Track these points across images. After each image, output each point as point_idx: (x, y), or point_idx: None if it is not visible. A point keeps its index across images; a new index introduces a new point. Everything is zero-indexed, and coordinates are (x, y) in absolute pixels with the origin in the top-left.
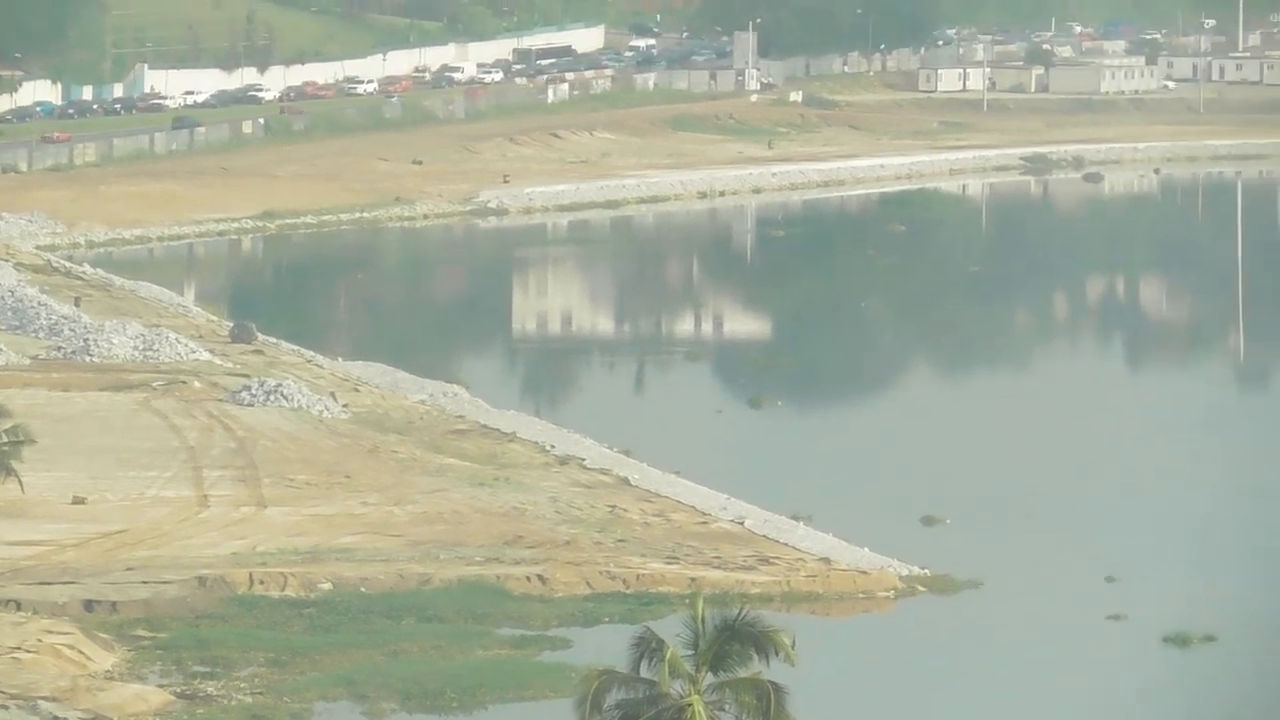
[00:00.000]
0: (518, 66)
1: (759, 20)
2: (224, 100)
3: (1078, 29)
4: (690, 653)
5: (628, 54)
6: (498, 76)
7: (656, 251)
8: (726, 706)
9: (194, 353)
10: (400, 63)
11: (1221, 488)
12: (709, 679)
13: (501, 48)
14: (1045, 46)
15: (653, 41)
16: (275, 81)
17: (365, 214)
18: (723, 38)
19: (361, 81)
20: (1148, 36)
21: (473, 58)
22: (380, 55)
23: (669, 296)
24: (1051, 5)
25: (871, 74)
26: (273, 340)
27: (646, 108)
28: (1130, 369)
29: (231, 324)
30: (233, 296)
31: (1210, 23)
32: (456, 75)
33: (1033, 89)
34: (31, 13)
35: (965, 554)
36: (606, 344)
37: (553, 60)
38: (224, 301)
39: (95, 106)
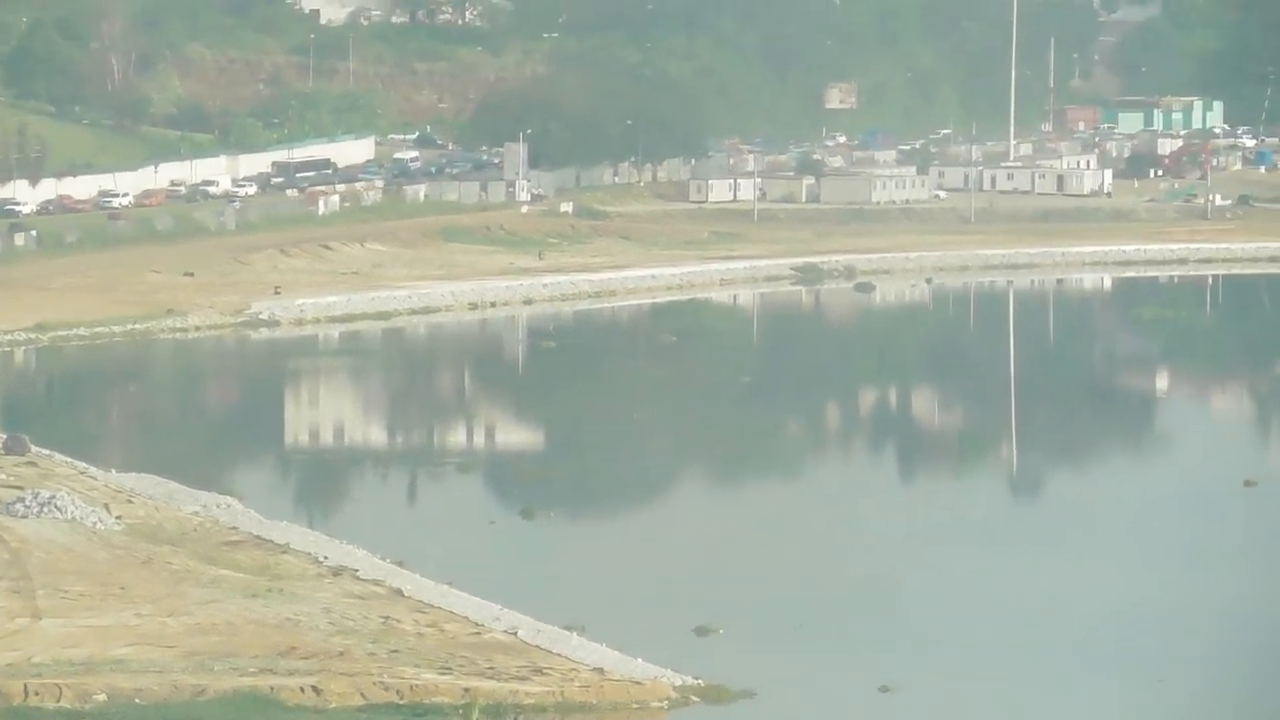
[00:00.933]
0: (276, 180)
1: (529, 131)
2: None
3: (840, 138)
4: None
5: (389, 165)
6: (252, 190)
7: (428, 363)
8: None
9: None
10: (171, 175)
11: (992, 598)
12: None
13: (269, 160)
14: (816, 156)
15: (415, 154)
16: (41, 193)
17: (137, 325)
18: (487, 150)
19: (117, 195)
20: (907, 147)
21: (243, 170)
22: (152, 167)
23: (441, 408)
24: (821, 116)
25: (642, 184)
26: (46, 452)
27: (417, 219)
28: (902, 479)
29: (4, 436)
30: (5, 408)
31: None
32: (212, 189)
33: (804, 199)
34: None
35: (739, 664)
36: (379, 455)
37: (311, 173)
38: None
39: None
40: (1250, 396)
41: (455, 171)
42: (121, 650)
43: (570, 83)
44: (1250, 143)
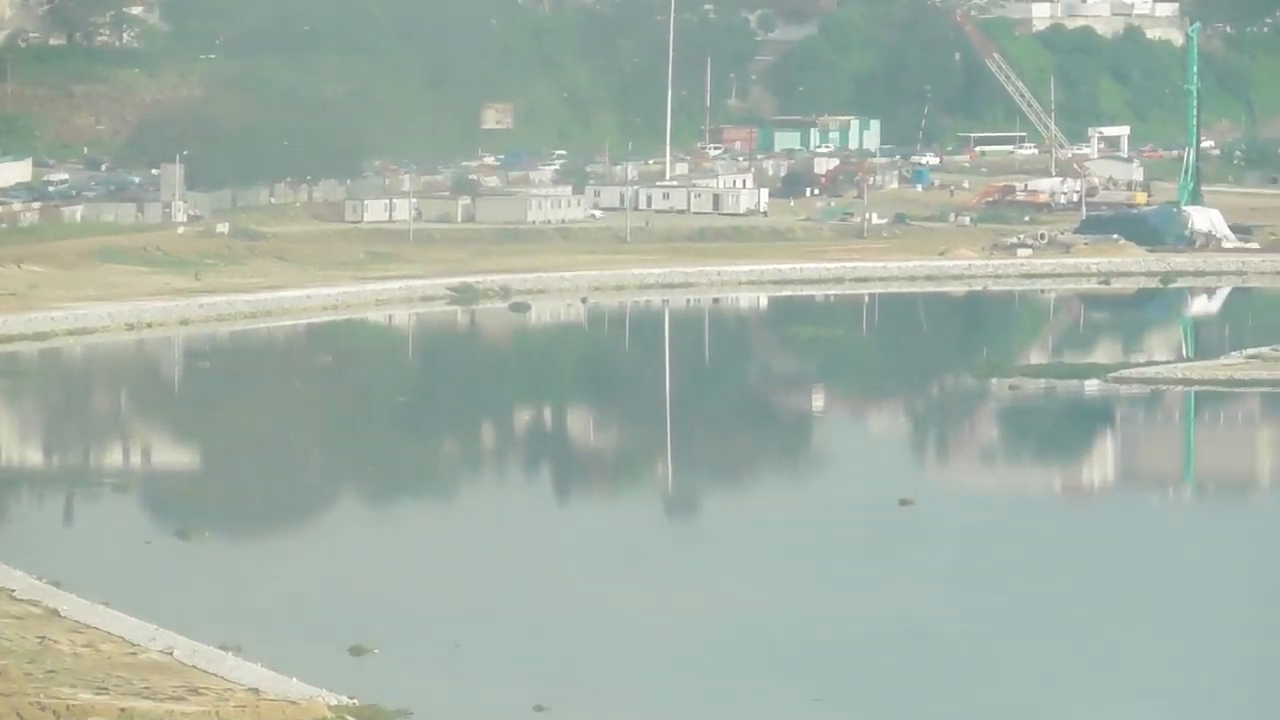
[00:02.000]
0: None
1: (186, 152)
2: None
3: (488, 158)
4: None
5: (38, 188)
6: None
7: (84, 383)
8: None
9: None
10: None
11: (646, 618)
12: None
13: None
14: (472, 176)
15: (65, 177)
16: None
17: None
18: (141, 171)
19: None
20: (553, 166)
21: None
22: None
23: (97, 428)
24: (478, 136)
25: (299, 205)
26: None
27: (74, 241)
28: (558, 500)
29: None
30: None
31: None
32: None
33: (460, 219)
34: None
35: (395, 683)
36: (34, 476)
37: None
38: None
39: None
40: (906, 415)
41: (94, 194)
42: None
43: (227, 104)
44: (932, 159)
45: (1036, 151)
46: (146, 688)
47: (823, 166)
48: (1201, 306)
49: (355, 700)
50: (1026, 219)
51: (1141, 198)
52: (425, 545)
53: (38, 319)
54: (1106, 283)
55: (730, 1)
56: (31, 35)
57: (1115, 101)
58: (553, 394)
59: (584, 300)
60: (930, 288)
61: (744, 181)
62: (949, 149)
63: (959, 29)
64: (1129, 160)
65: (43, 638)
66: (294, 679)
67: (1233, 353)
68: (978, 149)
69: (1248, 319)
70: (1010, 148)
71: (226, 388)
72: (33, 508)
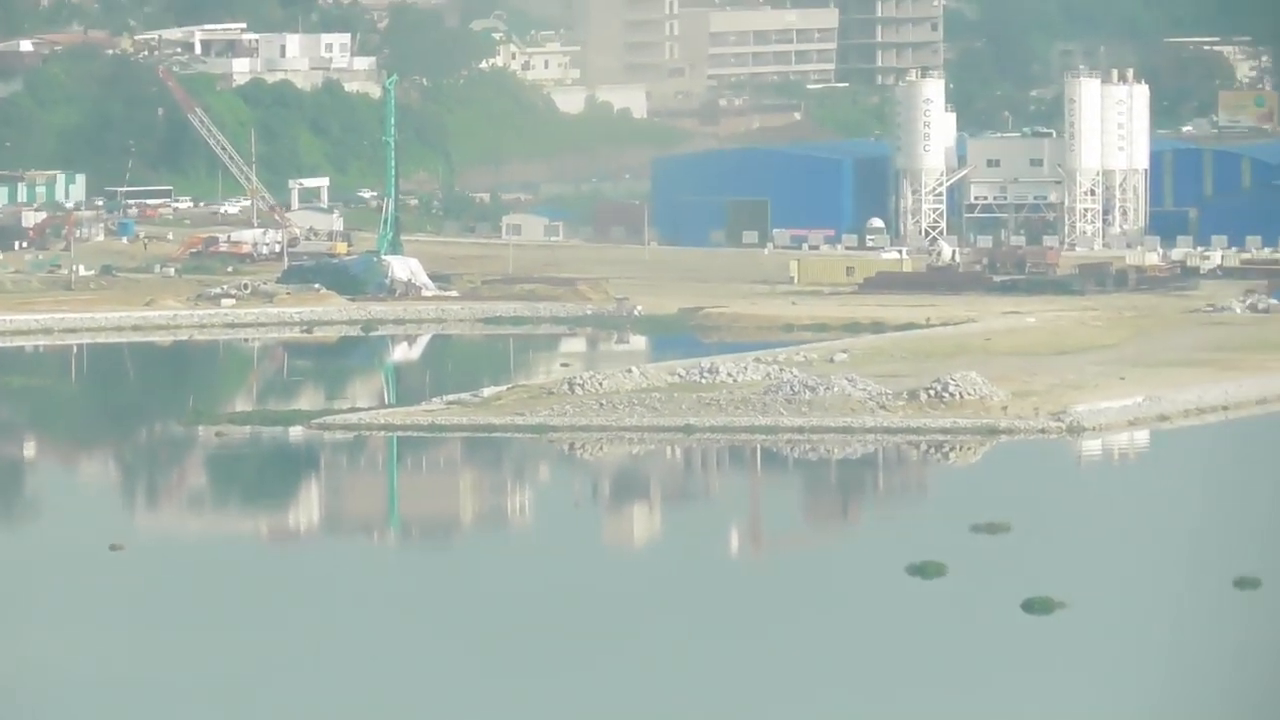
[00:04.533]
0: None
1: None
2: None
3: None
4: None
5: None
6: None
7: None
8: None
9: None
10: None
11: None
12: None
13: None
14: None
15: None
16: None
17: None
18: None
19: None
20: None
21: None
22: None
23: None
24: None
25: None
26: None
27: None
28: None
29: None
30: None
31: None
32: None
33: None
34: None
35: None
36: None
37: None
38: None
39: None
40: (115, 462)
41: None
42: None
43: None
44: (136, 212)
45: (240, 204)
46: None
47: (30, 220)
48: (403, 353)
49: None
50: (230, 269)
51: (342, 248)
52: None
53: None
54: (309, 331)
55: None
56: None
57: (316, 154)
58: None
59: None
60: (138, 338)
61: None
62: (152, 202)
63: (162, 84)
64: (330, 211)
65: None
66: None
67: (434, 398)
68: (164, 206)
69: (448, 365)
70: (208, 202)
71: None
72: None
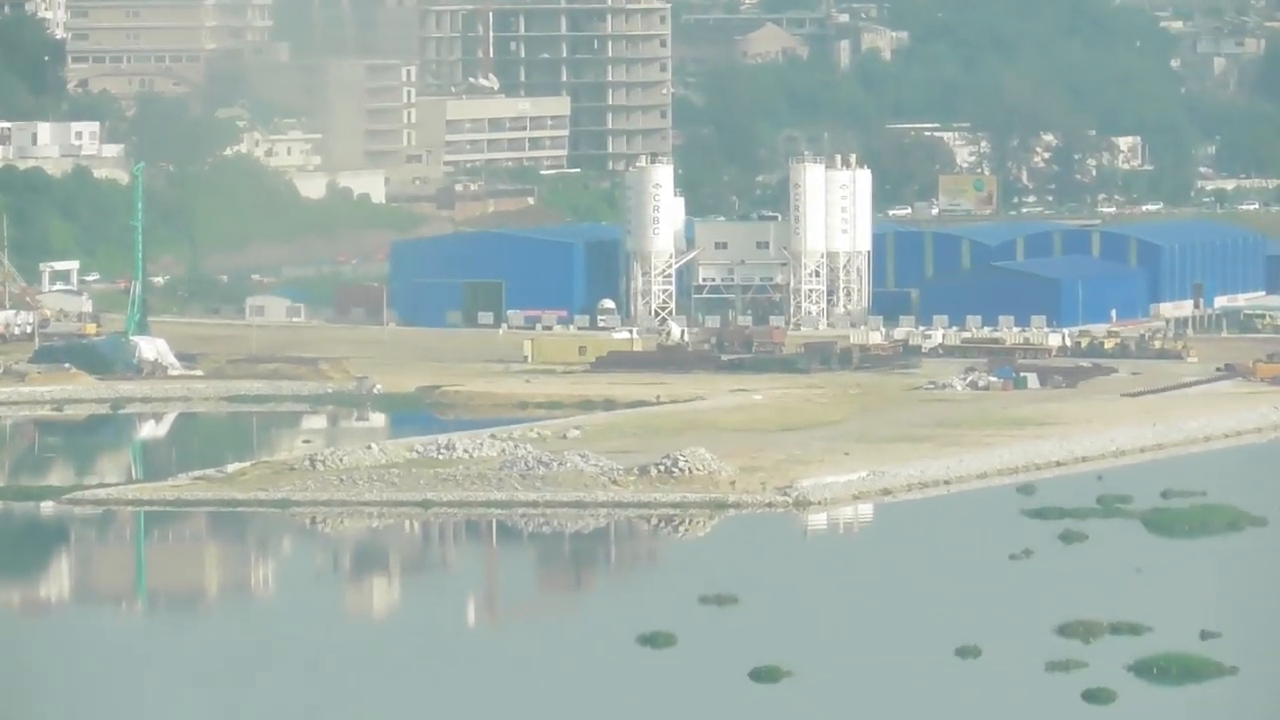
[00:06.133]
0: None
1: None
2: None
3: None
4: None
5: None
6: None
7: None
8: None
9: None
10: None
11: None
12: None
13: None
14: None
15: None
16: None
17: None
18: None
19: None
20: None
21: None
22: None
23: None
24: None
25: None
26: None
27: None
28: None
29: None
30: None
31: None
32: None
33: None
34: None
35: None
36: None
37: None
38: None
39: None
40: None
41: None
42: None
43: None
44: None
45: None
46: None
47: None
48: (150, 431)
49: None
50: None
51: (92, 328)
52: None
53: None
54: (60, 409)
55: None
56: None
57: (66, 238)
58: None
59: None
60: None
61: None
62: None
63: None
64: (79, 293)
65: None
66: None
67: (180, 474)
68: None
69: (194, 442)
70: None
71: None
72: None
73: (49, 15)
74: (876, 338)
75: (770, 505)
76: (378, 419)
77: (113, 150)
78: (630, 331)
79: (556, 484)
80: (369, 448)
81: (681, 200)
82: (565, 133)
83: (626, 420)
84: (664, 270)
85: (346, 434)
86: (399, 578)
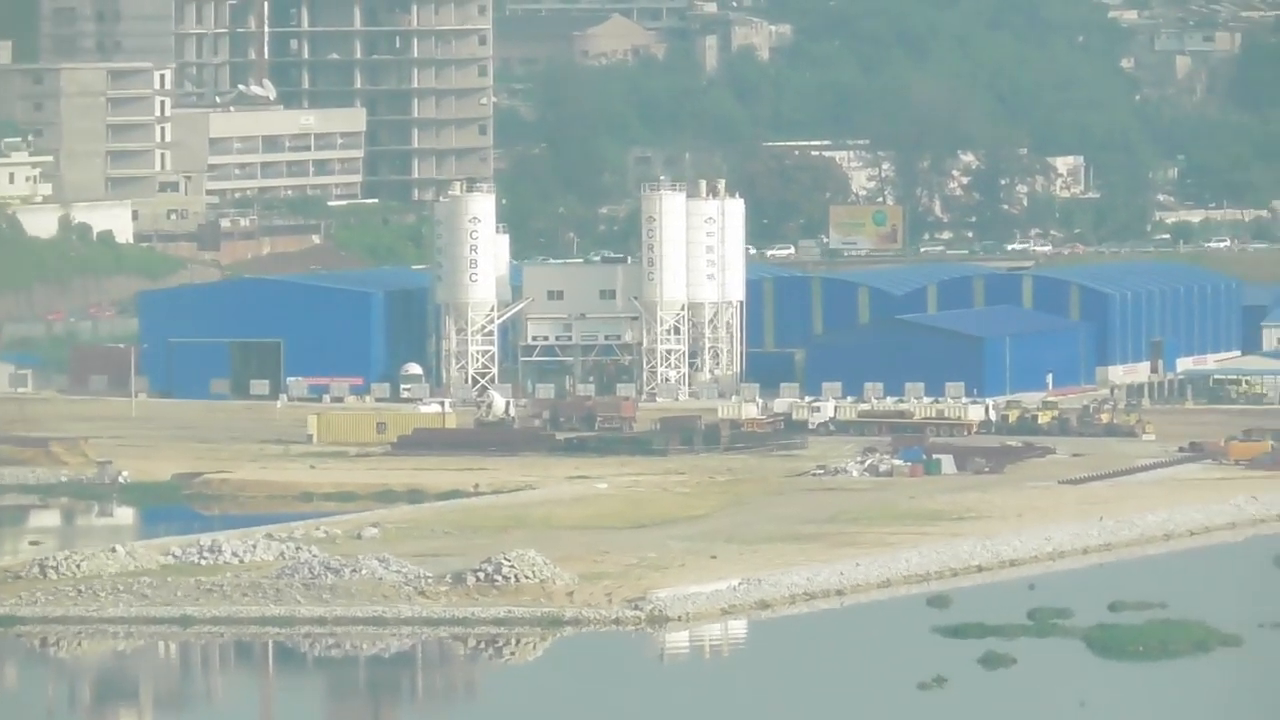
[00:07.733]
0: None
1: None
2: None
3: None
4: None
5: None
6: None
7: None
8: None
9: None
10: None
11: None
12: None
13: None
14: None
15: None
16: None
17: None
18: None
19: None
20: None
21: None
22: None
23: None
24: None
25: None
26: None
27: None
28: None
29: None
30: None
31: None
32: None
33: None
34: None
35: None
36: None
37: None
38: None
39: None
40: None
41: None
42: None
43: None
44: None
45: None
46: None
47: None
48: None
49: None
50: None
51: None
52: None
53: None
54: None
55: None
56: None
57: None
58: None
59: None
60: None
61: None
62: None
63: None
64: None
65: None
66: None
67: None
68: None
69: None
70: None
71: None
72: None
73: None
74: (751, 411)
75: (618, 622)
76: (124, 514)
77: None
78: (442, 404)
79: (349, 596)
80: (114, 550)
81: (506, 238)
82: (360, 154)
83: (437, 515)
84: (484, 326)
85: (85, 533)
86: (151, 715)
